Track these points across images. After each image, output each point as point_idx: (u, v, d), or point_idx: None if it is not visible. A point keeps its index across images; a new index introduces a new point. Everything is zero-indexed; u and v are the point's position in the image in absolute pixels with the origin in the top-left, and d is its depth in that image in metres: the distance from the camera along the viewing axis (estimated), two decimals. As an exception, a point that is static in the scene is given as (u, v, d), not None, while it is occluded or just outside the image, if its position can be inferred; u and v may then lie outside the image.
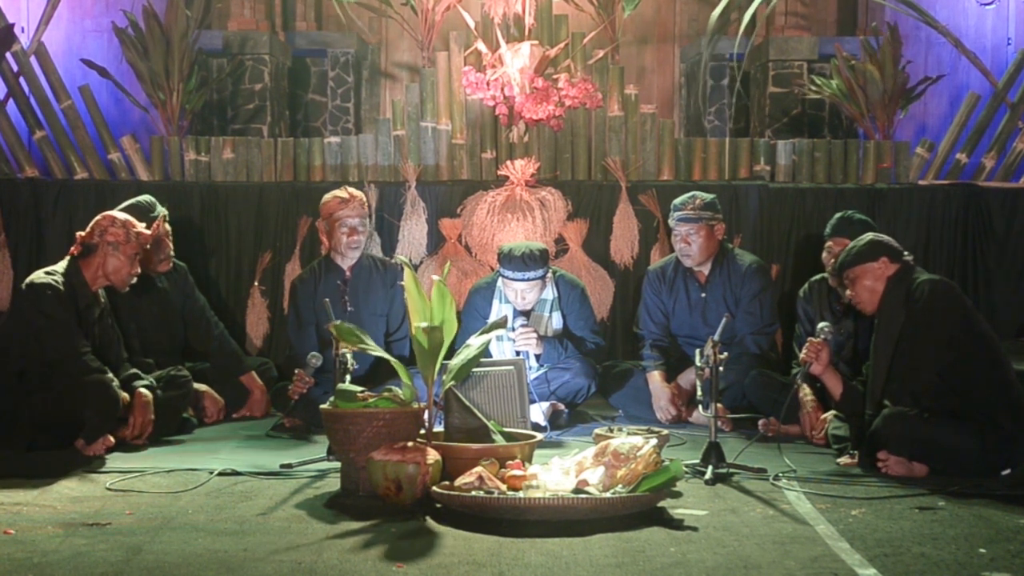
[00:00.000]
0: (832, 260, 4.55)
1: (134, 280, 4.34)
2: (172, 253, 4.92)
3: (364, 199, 4.87)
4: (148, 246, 4.43)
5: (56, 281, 4.13)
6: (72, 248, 4.26)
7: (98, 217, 4.31)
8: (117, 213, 4.35)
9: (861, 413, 3.87)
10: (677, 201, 4.91)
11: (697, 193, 4.92)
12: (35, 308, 4.09)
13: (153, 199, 4.87)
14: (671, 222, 4.92)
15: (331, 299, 4.41)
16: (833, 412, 4.17)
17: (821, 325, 4.00)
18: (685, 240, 4.87)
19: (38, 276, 4.17)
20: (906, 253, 3.94)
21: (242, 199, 5.79)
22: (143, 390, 4.21)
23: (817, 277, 4.74)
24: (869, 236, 3.99)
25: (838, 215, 4.70)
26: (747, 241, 5.64)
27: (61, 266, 4.23)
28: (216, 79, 6.53)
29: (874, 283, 3.87)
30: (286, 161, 5.94)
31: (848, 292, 3.97)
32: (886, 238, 3.97)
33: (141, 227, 4.34)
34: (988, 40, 6.97)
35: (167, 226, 4.88)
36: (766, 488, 3.49)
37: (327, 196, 4.87)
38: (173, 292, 4.96)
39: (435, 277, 3.61)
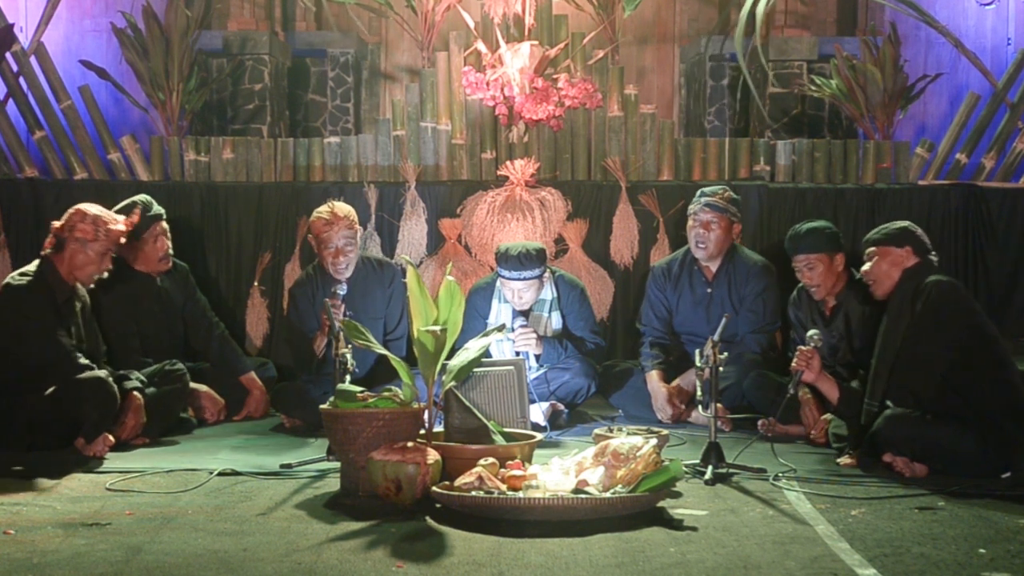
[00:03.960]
0: (805, 280, 4.54)
1: (104, 275, 4.25)
2: (171, 252, 4.91)
3: (351, 218, 4.75)
4: (123, 240, 4.29)
5: (30, 281, 4.10)
6: (46, 242, 4.21)
7: (71, 210, 4.24)
8: (89, 207, 4.25)
9: (859, 415, 3.87)
10: (707, 189, 4.93)
11: (727, 187, 4.98)
12: (13, 311, 4.05)
13: (149, 198, 4.86)
14: (694, 207, 4.90)
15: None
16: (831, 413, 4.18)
17: (811, 333, 4.00)
18: (706, 226, 4.86)
19: (13, 278, 4.14)
20: (933, 253, 3.94)
21: (242, 199, 5.79)
22: (136, 393, 4.21)
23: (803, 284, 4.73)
24: (904, 223, 4.01)
25: (789, 234, 4.65)
26: (747, 241, 5.63)
27: (34, 265, 4.19)
28: (216, 79, 6.53)
29: (891, 268, 3.89)
30: (286, 161, 5.93)
31: (864, 267, 3.97)
32: (919, 230, 3.98)
33: (116, 223, 4.23)
34: (988, 40, 6.97)
35: (164, 224, 4.87)
36: (766, 488, 3.49)
37: (314, 214, 4.79)
38: (174, 292, 4.96)
39: (449, 278, 3.59)
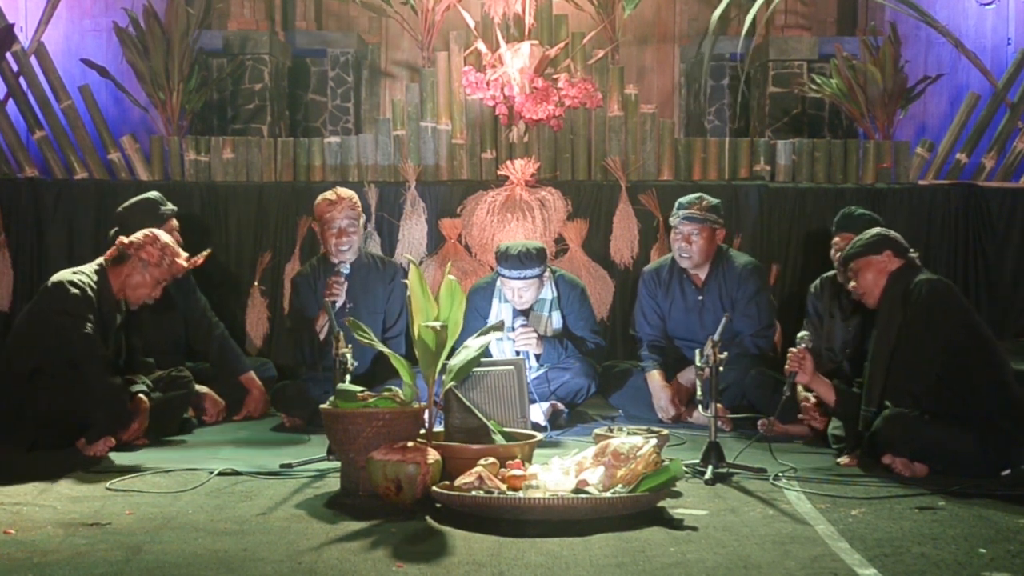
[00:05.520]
0: (839, 256, 4.56)
1: (149, 302, 4.31)
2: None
3: (354, 199, 4.82)
4: (179, 276, 4.37)
5: (82, 281, 4.11)
6: (109, 251, 4.23)
7: (146, 231, 4.29)
8: (162, 234, 4.30)
9: (856, 416, 3.87)
10: (683, 200, 4.89)
11: (704, 195, 4.91)
12: (57, 307, 4.06)
13: (160, 196, 4.91)
14: (674, 220, 4.90)
15: (330, 295, 4.47)
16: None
17: (801, 334, 3.98)
18: (687, 240, 4.85)
19: (65, 275, 4.14)
20: (912, 251, 3.94)
21: (242, 199, 5.79)
22: (142, 396, 4.21)
23: (829, 274, 4.73)
24: (876, 230, 4.02)
25: (843, 211, 4.72)
26: (747, 241, 5.64)
27: (91, 268, 4.20)
28: (216, 79, 6.53)
29: (876, 276, 3.88)
30: (286, 161, 5.94)
31: (852, 284, 3.98)
32: (893, 233, 3.98)
33: (181, 257, 4.29)
34: (988, 40, 6.97)
35: (175, 223, 4.89)
36: (766, 488, 3.49)
37: (319, 198, 4.86)
38: (174, 292, 4.95)
39: (450, 277, 3.59)
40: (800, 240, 5.67)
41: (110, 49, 6.73)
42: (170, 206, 4.89)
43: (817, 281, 4.77)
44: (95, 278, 4.17)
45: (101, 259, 4.25)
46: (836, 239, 4.64)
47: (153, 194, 4.90)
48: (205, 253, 4.56)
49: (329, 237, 4.80)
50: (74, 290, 4.07)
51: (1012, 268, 5.76)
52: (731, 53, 6.84)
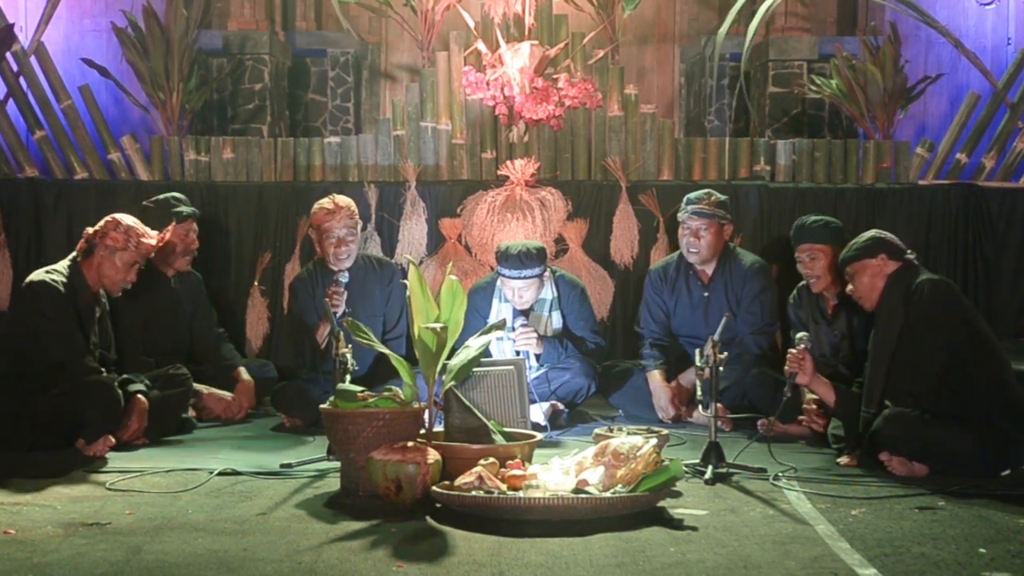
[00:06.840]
0: (806, 270, 4.56)
1: (128, 286, 4.29)
2: (196, 252, 4.95)
3: (352, 208, 4.80)
4: (152, 254, 4.36)
5: (55, 281, 4.10)
6: (79, 244, 4.23)
7: (107, 217, 4.26)
8: (124, 217, 4.28)
9: (856, 417, 3.87)
10: (692, 196, 4.90)
11: (712, 191, 4.93)
12: (34, 309, 4.06)
13: (183, 197, 4.95)
14: (682, 215, 4.90)
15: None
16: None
17: (800, 335, 3.98)
18: (696, 235, 4.85)
19: (37, 276, 4.14)
20: (909, 252, 3.94)
21: (242, 199, 5.79)
22: (140, 396, 4.21)
23: (804, 282, 4.73)
24: (871, 233, 4.02)
25: (796, 223, 4.69)
26: (747, 241, 5.64)
27: (63, 265, 4.20)
28: (216, 79, 6.53)
29: (872, 280, 3.89)
30: (286, 161, 5.94)
31: (848, 287, 3.99)
32: (887, 235, 3.98)
33: (148, 236, 4.26)
34: (988, 40, 6.98)
35: (195, 226, 4.91)
36: (766, 488, 3.49)
37: (315, 206, 4.83)
38: (183, 296, 4.97)
39: (452, 277, 3.59)
40: (800, 240, 5.66)
41: (110, 49, 6.73)
42: (189, 208, 4.93)
43: (795, 291, 4.77)
44: (69, 274, 4.16)
45: (73, 254, 4.24)
46: (797, 254, 4.60)
47: (173, 196, 4.94)
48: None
49: (328, 246, 4.78)
50: (47, 290, 4.06)
51: (1012, 268, 5.75)
52: (731, 53, 6.83)
